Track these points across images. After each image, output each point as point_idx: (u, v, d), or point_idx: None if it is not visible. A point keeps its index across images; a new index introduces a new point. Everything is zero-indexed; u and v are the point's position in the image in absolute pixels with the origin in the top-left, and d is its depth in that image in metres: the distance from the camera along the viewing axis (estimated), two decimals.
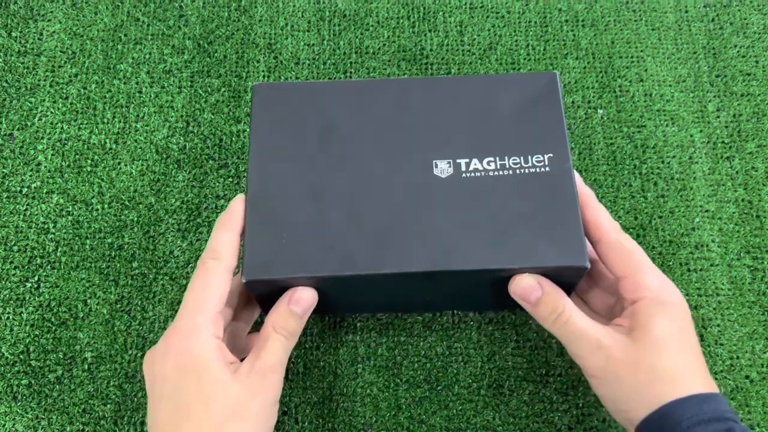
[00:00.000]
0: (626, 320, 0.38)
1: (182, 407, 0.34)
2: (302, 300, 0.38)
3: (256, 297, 0.42)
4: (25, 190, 0.51)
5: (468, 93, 0.43)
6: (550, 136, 0.41)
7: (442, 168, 0.41)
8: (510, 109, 0.42)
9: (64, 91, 0.54)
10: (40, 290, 0.48)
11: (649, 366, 0.35)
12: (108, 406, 0.45)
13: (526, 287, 0.38)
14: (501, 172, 0.40)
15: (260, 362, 0.36)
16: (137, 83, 0.54)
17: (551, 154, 0.41)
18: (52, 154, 0.52)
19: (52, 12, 0.57)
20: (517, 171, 0.40)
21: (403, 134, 0.42)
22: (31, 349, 0.47)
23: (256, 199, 0.40)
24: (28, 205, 0.50)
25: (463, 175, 0.40)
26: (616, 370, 0.36)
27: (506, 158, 0.41)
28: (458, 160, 0.41)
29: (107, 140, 0.52)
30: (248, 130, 0.43)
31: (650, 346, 0.36)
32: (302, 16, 0.57)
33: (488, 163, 0.41)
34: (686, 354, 0.36)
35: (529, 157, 0.41)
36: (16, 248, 0.49)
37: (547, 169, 0.40)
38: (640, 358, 0.36)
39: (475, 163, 0.41)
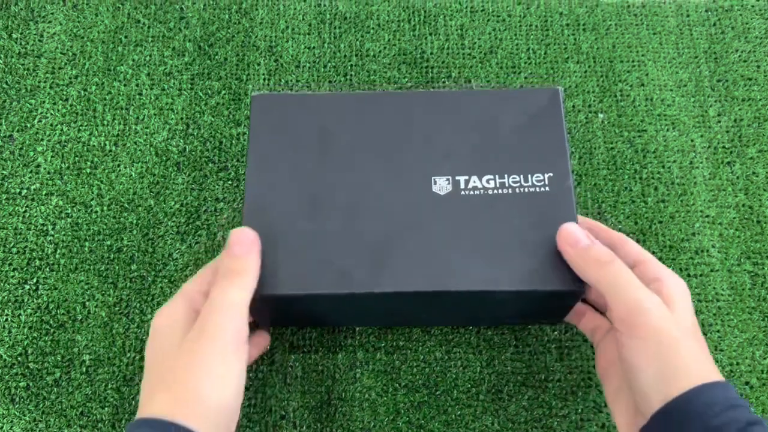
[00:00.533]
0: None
1: (154, 362, 0.37)
2: (239, 243, 0.38)
3: (251, 310, 0.41)
4: (24, 191, 0.51)
5: (469, 108, 0.42)
6: (551, 154, 0.41)
7: (441, 185, 0.40)
8: (511, 125, 0.42)
9: (64, 92, 0.54)
10: (39, 292, 0.48)
11: (691, 340, 0.35)
12: (106, 408, 0.45)
13: (578, 235, 0.38)
14: (500, 191, 0.40)
15: (202, 313, 0.36)
16: (137, 85, 0.54)
17: (551, 174, 0.40)
18: (52, 156, 0.52)
19: (52, 14, 0.57)
20: (517, 190, 0.40)
21: (402, 149, 0.41)
22: (29, 352, 0.47)
23: (254, 213, 0.40)
24: (27, 206, 0.50)
25: (462, 192, 0.40)
26: (673, 335, 0.35)
27: (506, 177, 0.40)
28: (457, 178, 0.40)
29: (107, 142, 0.52)
30: (248, 133, 0.42)
31: (689, 324, 0.36)
32: (303, 18, 0.57)
33: (488, 181, 0.40)
34: (704, 340, 0.37)
35: (529, 176, 0.40)
36: (15, 250, 0.49)
37: (547, 189, 0.40)
38: (685, 329, 0.35)
39: (474, 181, 0.40)
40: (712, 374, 0.35)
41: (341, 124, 0.42)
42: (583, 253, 0.37)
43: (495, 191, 0.40)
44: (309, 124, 0.42)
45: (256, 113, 0.42)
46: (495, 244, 0.39)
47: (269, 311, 0.42)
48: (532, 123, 0.42)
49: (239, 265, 0.37)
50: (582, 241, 0.38)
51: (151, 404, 0.34)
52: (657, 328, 0.35)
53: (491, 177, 0.40)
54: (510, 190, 0.40)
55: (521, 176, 0.40)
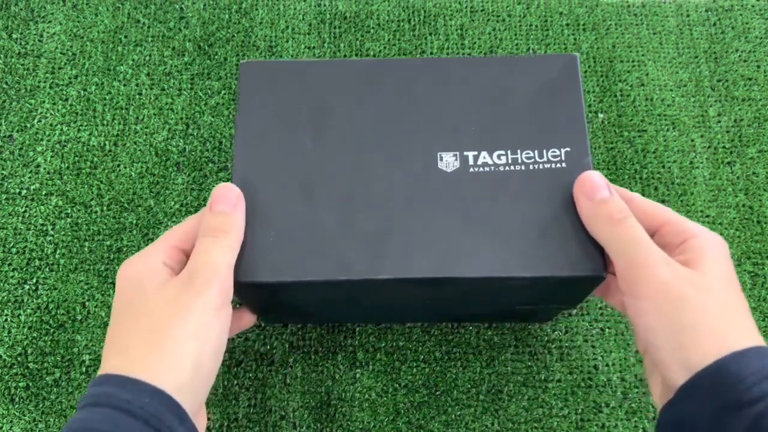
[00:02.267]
0: (680, 257, 0.33)
1: (126, 310, 0.34)
2: (224, 200, 0.35)
3: (240, 297, 0.39)
4: (24, 191, 0.51)
5: (477, 77, 0.39)
6: (568, 128, 0.37)
7: (448, 161, 0.37)
8: (524, 95, 0.38)
9: (64, 92, 0.54)
10: (39, 292, 0.48)
11: (720, 299, 0.31)
12: None
13: (598, 184, 0.34)
14: (512, 168, 0.36)
15: (188, 267, 0.34)
16: (137, 85, 0.54)
17: (568, 149, 0.37)
18: (52, 156, 0.52)
19: (52, 14, 0.57)
20: (531, 166, 0.36)
21: (405, 122, 0.38)
22: (29, 352, 0.47)
23: (242, 193, 0.36)
24: (27, 206, 0.50)
25: (471, 169, 0.37)
26: (683, 293, 0.31)
27: (519, 152, 0.37)
28: (465, 153, 0.37)
29: (107, 142, 0.52)
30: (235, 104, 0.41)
31: (718, 280, 0.31)
32: (303, 18, 0.57)
33: (499, 156, 0.37)
34: (743, 298, 0.33)
35: (544, 152, 0.37)
36: (14, 250, 0.49)
37: (564, 165, 0.36)
38: (710, 287, 0.31)
39: (484, 157, 0.37)
40: (747, 338, 0.30)
41: (338, 94, 0.38)
42: (598, 208, 0.34)
43: (507, 168, 0.37)
44: (302, 95, 0.38)
45: (245, 83, 0.39)
46: (507, 225, 0.35)
47: (258, 300, 0.40)
48: (547, 93, 0.38)
49: (224, 224, 0.34)
50: (601, 192, 0.34)
51: (118, 358, 0.31)
52: (661, 282, 0.31)
53: (503, 152, 0.37)
54: (523, 167, 0.37)
55: (535, 151, 0.37)
